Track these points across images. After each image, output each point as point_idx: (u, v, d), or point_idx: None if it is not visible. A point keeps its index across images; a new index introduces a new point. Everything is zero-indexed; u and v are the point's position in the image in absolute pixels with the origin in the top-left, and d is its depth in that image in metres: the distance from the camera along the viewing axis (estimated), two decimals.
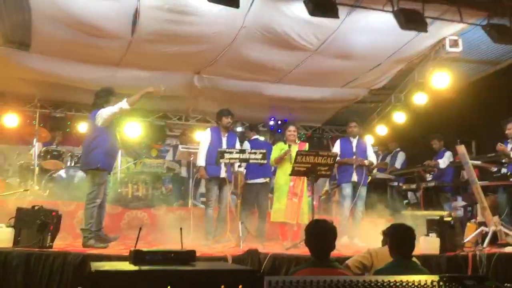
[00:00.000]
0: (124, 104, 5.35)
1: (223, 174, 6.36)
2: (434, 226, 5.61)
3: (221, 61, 7.95)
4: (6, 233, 4.60)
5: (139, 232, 2.62)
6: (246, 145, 7.37)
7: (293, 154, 6.53)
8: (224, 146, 6.48)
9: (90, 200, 5.40)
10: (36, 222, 4.54)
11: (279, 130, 10.19)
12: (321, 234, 3.14)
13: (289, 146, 6.66)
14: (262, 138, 7.96)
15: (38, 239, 4.52)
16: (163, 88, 5.54)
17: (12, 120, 9.21)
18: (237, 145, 6.71)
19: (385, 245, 3.92)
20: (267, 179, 7.18)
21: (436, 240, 5.43)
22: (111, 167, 5.77)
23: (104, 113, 5.42)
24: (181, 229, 2.59)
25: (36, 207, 4.77)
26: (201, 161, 6.55)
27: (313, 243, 3.16)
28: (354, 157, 6.94)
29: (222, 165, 6.31)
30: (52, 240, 4.67)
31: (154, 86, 5.52)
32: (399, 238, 3.30)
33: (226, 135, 6.65)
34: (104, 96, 5.64)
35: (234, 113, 6.85)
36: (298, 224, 6.44)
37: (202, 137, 6.78)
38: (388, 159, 9.96)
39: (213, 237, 6.25)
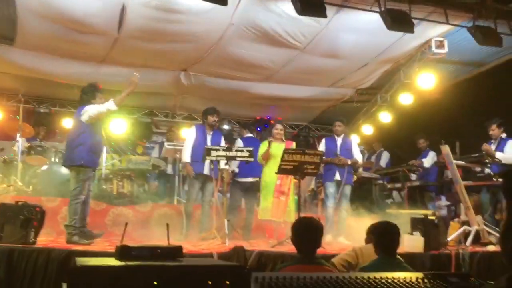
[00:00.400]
0: (111, 105, 5.34)
1: (206, 171, 6.37)
2: (418, 224, 5.67)
3: (208, 59, 7.92)
4: None
5: (125, 227, 2.61)
6: (239, 143, 7.36)
7: (279, 150, 6.57)
8: (209, 143, 6.51)
9: (74, 197, 5.35)
10: (19, 218, 4.48)
11: (266, 126, 10.20)
12: (307, 231, 3.15)
13: (269, 143, 6.63)
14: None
15: (21, 235, 4.46)
16: (137, 74, 5.52)
17: None
18: (222, 144, 6.74)
19: (369, 243, 3.96)
20: (257, 179, 7.18)
21: (420, 239, 5.49)
22: (96, 164, 5.71)
23: (90, 111, 5.37)
24: (167, 225, 2.57)
25: (19, 203, 4.71)
26: (186, 157, 6.58)
27: (299, 240, 3.17)
28: (336, 157, 6.97)
29: (206, 163, 6.34)
30: (36, 236, 4.61)
31: (131, 81, 5.47)
32: (383, 236, 3.33)
33: (211, 133, 6.68)
34: (91, 91, 5.60)
35: (220, 112, 6.86)
36: (285, 222, 6.45)
37: (187, 134, 6.81)
38: (373, 158, 10.04)
39: (186, 235, 6.26)
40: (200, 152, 6.35)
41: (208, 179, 6.46)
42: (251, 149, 6.04)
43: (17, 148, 7.64)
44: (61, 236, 6.40)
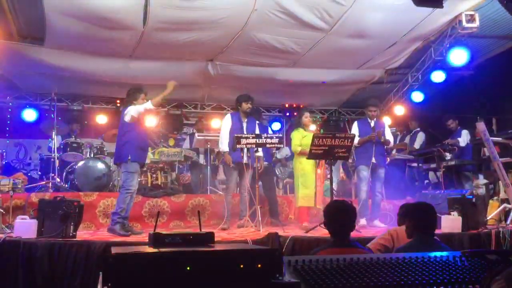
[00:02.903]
0: (149, 105, 5.75)
1: (245, 159, 6.39)
2: (455, 204, 5.56)
3: (234, 47, 7.92)
4: (30, 224, 4.68)
5: (157, 216, 2.64)
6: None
7: (310, 139, 6.52)
8: (245, 131, 6.52)
9: (125, 188, 5.72)
10: (58, 213, 4.60)
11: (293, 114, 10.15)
12: (339, 214, 3.12)
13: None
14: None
15: (61, 229, 4.59)
16: (175, 83, 5.95)
17: (30, 114, 9.33)
18: (257, 130, 6.71)
19: (403, 225, 3.90)
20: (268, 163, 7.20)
21: (458, 219, 5.38)
22: (142, 158, 6.01)
23: (131, 111, 5.79)
24: (198, 212, 2.59)
25: (58, 198, 4.84)
26: (224, 147, 6.58)
27: (333, 223, 3.14)
28: (372, 133, 6.86)
29: (245, 151, 6.34)
30: (75, 229, 4.74)
31: (168, 85, 5.90)
32: (419, 216, 3.25)
33: (246, 120, 6.68)
34: (133, 94, 5.99)
35: (253, 98, 6.84)
36: (317, 208, 6.45)
37: (223, 123, 6.82)
38: (407, 140, 9.85)
39: (229, 223, 6.31)
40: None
41: (245, 167, 6.46)
42: (280, 135, 6.02)
43: (53, 146, 7.83)
44: (101, 230, 6.61)
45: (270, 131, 7.32)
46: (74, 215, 4.65)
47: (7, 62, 7.80)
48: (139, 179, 7.93)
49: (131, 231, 5.75)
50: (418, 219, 3.23)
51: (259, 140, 5.79)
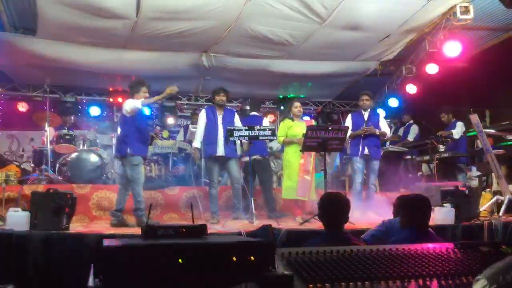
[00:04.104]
0: (138, 103, 5.77)
1: (220, 152, 6.38)
2: (448, 196, 5.57)
3: (228, 38, 7.88)
4: (23, 216, 4.65)
5: (150, 208, 2.63)
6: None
7: (300, 128, 6.52)
8: (220, 125, 6.50)
9: (134, 182, 5.75)
10: (51, 205, 4.57)
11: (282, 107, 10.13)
12: (334, 206, 3.13)
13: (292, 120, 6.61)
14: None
15: (54, 222, 4.56)
16: (177, 89, 5.97)
17: (23, 105, 9.26)
18: (237, 120, 6.72)
19: (398, 216, 3.91)
20: (263, 156, 7.19)
21: (451, 210, 5.40)
22: (143, 151, 6.01)
23: (126, 106, 5.85)
24: (191, 204, 2.58)
25: (50, 190, 4.81)
26: (195, 143, 6.68)
27: (326, 215, 3.15)
28: (363, 126, 6.87)
29: (220, 144, 6.35)
30: (68, 222, 4.72)
31: (169, 88, 5.86)
32: (414, 209, 3.26)
33: (222, 113, 6.65)
34: (134, 86, 5.99)
35: (227, 91, 6.82)
36: (311, 200, 6.43)
37: (198, 118, 6.84)
38: (400, 132, 9.87)
39: (217, 217, 6.33)
40: (213, 133, 6.43)
41: (229, 159, 6.44)
42: (273, 127, 6.01)
43: (46, 137, 7.77)
44: (94, 222, 6.59)
45: (266, 123, 7.24)
46: (67, 208, 4.62)
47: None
48: None
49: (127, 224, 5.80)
50: (413, 211, 3.24)
51: (252, 133, 5.77)
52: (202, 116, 6.69)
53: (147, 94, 5.88)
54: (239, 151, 6.99)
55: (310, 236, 4.66)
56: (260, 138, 5.88)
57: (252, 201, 5.61)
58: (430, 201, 3.44)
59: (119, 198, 5.99)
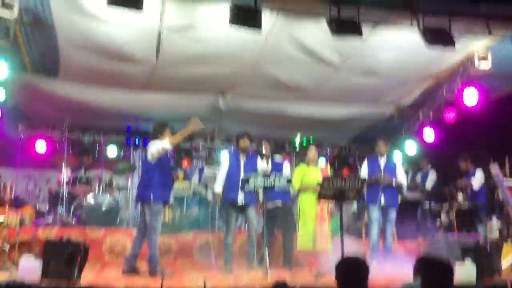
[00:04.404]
0: (166, 144, 5.73)
1: (240, 201, 6.28)
2: (469, 252, 5.40)
3: (245, 82, 7.95)
4: (35, 265, 4.62)
5: (162, 281, 2.56)
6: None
7: (315, 175, 6.44)
8: (242, 170, 6.41)
9: (152, 230, 5.69)
10: (63, 255, 4.54)
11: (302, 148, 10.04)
12: (352, 274, 3.01)
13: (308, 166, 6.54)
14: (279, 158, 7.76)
15: (65, 272, 4.52)
16: (202, 125, 5.87)
17: (41, 145, 9.35)
18: (260, 165, 6.59)
19: (417, 278, 3.76)
20: (284, 202, 7.00)
21: (472, 268, 5.21)
22: (165, 198, 5.95)
23: (151, 149, 5.78)
24: (204, 283, 2.49)
25: (64, 239, 4.78)
26: (217, 187, 6.55)
27: (344, 283, 3.02)
28: (381, 175, 6.77)
29: (240, 191, 6.21)
30: (80, 273, 4.66)
31: (193, 124, 5.83)
32: (435, 276, 3.12)
33: (245, 158, 6.58)
34: (158, 128, 5.98)
35: (251, 135, 6.75)
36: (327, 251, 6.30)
37: (221, 162, 6.76)
38: (417, 177, 9.71)
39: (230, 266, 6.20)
40: (234, 179, 6.28)
41: (247, 207, 6.35)
42: (289, 177, 5.96)
43: (62, 179, 7.81)
44: (105, 268, 6.52)
45: (286, 167, 7.15)
46: (79, 258, 4.57)
47: (21, 94, 7.84)
48: None
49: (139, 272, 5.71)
50: (436, 279, 3.10)
51: (267, 182, 5.69)
52: (225, 160, 6.62)
53: (170, 136, 5.84)
54: (261, 196, 6.91)
55: None
56: (276, 187, 5.80)
57: (266, 253, 5.48)
58: (448, 253, 3.30)
59: (135, 243, 5.92)
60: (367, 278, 3.03)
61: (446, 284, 3.04)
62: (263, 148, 6.59)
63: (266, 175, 5.79)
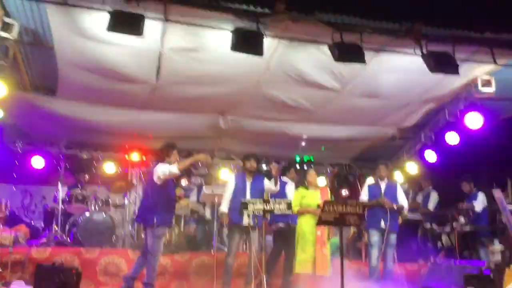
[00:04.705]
0: (174, 169, 5.62)
1: (245, 222, 6.20)
2: (472, 281, 5.28)
3: (246, 102, 7.88)
4: None
5: None
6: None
7: (315, 199, 6.33)
8: (248, 191, 6.39)
9: (153, 254, 5.60)
10: (55, 281, 4.42)
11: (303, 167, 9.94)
12: None
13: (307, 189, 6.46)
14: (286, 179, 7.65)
15: None
16: (209, 159, 6.15)
17: (38, 161, 9.26)
18: (267, 184, 6.56)
19: None
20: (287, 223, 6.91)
21: None
22: (168, 222, 5.92)
23: (158, 172, 5.65)
24: None
25: (56, 264, 4.66)
26: (223, 207, 6.51)
27: None
28: (380, 198, 6.70)
29: (245, 213, 6.12)
30: None
31: (203, 157, 6.02)
32: None
33: (251, 180, 6.51)
34: (166, 150, 5.90)
35: (257, 157, 6.71)
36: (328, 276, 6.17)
37: (227, 183, 6.73)
38: (418, 198, 9.60)
39: None
40: (240, 201, 6.18)
41: (251, 228, 6.26)
42: (289, 201, 5.85)
43: (58, 197, 7.70)
44: None
45: (290, 187, 7.08)
46: (71, 284, 4.45)
47: (19, 112, 7.76)
48: (144, 236, 7.84)
49: None
50: None
51: (267, 206, 5.59)
52: (231, 181, 6.60)
53: (177, 158, 5.75)
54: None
55: None
56: (275, 212, 5.70)
57: (264, 279, 5.35)
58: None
59: (137, 265, 5.81)
60: None
61: None
62: (272, 168, 6.54)
63: (265, 200, 5.67)
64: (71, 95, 7.50)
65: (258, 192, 6.44)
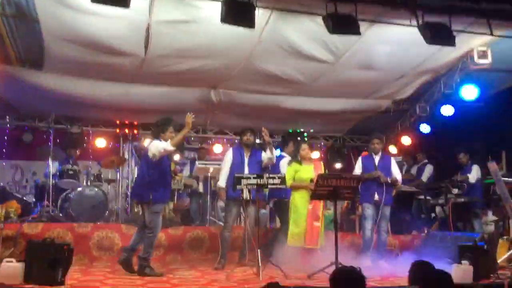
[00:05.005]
0: (168, 146, 5.43)
1: (245, 195, 6.07)
2: (467, 252, 5.27)
3: (238, 76, 7.73)
4: (17, 268, 4.42)
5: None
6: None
7: (308, 173, 6.28)
8: (246, 165, 6.34)
9: (150, 230, 5.49)
10: (47, 257, 4.35)
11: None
12: (347, 286, 2.86)
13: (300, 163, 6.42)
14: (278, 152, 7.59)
15: (49, 275, 4.33)
16: (192, 114, 5.58)
17: (27, 136, 9.12)
18: (264, 156, 6.49)
19: (414, 285, 3.64)
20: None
21: (470, 268, 5.10)
22: (165, 198, 5.79)
23: (153, 149, 5.48)
24: None
25: (47, 240, 4.59)
26: (221, 182, 6.46)
27: None
28: (375, 171, 6.65)
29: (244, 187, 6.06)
30: (64, 275, 4.47)
31: (187, 122, 5.49)
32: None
33: (249, 153, 6.46)
34: (161, 125, 5.65)
35: (255, 130, 6.62)
36: (321, 247, 6.16)
37: (224, 158, 6.65)
38: (413, 170, 9.59)
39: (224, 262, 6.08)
40: None
41: (249, 202, 6.19)
42: (283, 176, 5.79)
43: (49, 172, 7.60)
44: (94, 264, 6.36)
45: (285, 161, 7.01)
46: (63, 260, 4.39)
47: (6, 86, 7.59)
48: (136, 210, 7.79)
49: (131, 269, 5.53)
50: None
51: (260, 181, 5.52)
52: (228, 156, 6.51)
53: (173, 135, 5.51)
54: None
55: None
56: (269, 186, 5.64)
57: (259, 252, 5.32)
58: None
59: (136, 238, 5.70)
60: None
61: None
62: (263, 135, 6.38)
63: (259, 175, 5.60)
64: (58, 68, 7.33)
65: (257, 165, 6.39)
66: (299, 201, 6.23)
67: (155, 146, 5.45)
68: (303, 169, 6.34)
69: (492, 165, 6.18)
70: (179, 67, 7.25)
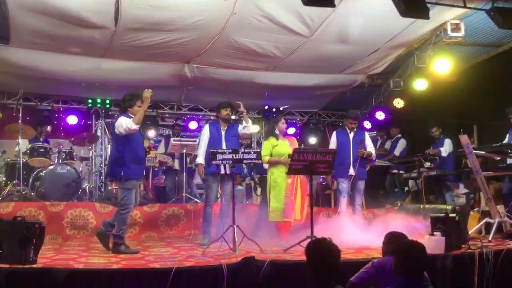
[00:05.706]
0: (131, 125, 5.26)
1: (222, 170, 6.15)
2: (439, 224, 5.36)
3: (212, 50, 7.60)
4: None
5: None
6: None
7: (285, 147, 6.28)
8: (223, 140, 6.28)
9: (122, 206, 5.40)
10: (17, 236, 4.23)
11: (275, 115, 9.84)
12: (322, 258, 2.87)
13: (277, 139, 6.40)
14: None
15: (20, 254, 4.22)
16: (151, 92, 5.40)
17: None
18: (241, 130, 6.45)
19: (387, 255, 3.70)
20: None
21: (442, 239, 5.19)
22: (138, 174, 5.61)
23: (117, 125, 5.35)
24: None
25: (18, 219, 4.46)
26: (199, 159, 6.39)
27: (315, 268, 2.88)
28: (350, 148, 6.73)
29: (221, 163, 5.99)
30: (36, 253, 4.37)
31: (145, 97, 5.36)
32: (410, 258, 3.03)
33: (226, 128, 6.39)
34: (128, 100, 5.50)
35: (233, 104, 6.52)
36: (295, 220, 6.20)
37: (201, 133, 6.58)
38: (387, 145, 9.70)
39: (209, 237, 6.05)
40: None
41: (227, 177, 6.21)
42: (258, 150, 5.76)
43: (19, 150, 7.39)
44: (67, 243, 6.26)
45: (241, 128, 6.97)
46: (34, 239, 4.28)
47: None
48: (111, 188, 7.68)
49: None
50: (408, 261, 3.01)
51: (236, 156, 5.48)
52: (205, 131, 6.41)
53: (141, 108, 5.37)
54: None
55: (295, 270, 4.43)
56: (245, 161, 5.61)
57: (235, 228, 5.32)
58: (426, 250, 3.23)
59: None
60: (338, 259, 2.90)
61: (421, 262, 2.97)
62: (239, 104, 6.34)
63: (234, 150, 5.56)
64: (26, 42, 7.08)
65: (234, 138, 6.35)
66: (279, 176, 6.22)
67: (120, 123, 5.32)
68: (280, 143, 6.31)
69: (464, 138, 6.25)
70: (151, 41, 7.08)
